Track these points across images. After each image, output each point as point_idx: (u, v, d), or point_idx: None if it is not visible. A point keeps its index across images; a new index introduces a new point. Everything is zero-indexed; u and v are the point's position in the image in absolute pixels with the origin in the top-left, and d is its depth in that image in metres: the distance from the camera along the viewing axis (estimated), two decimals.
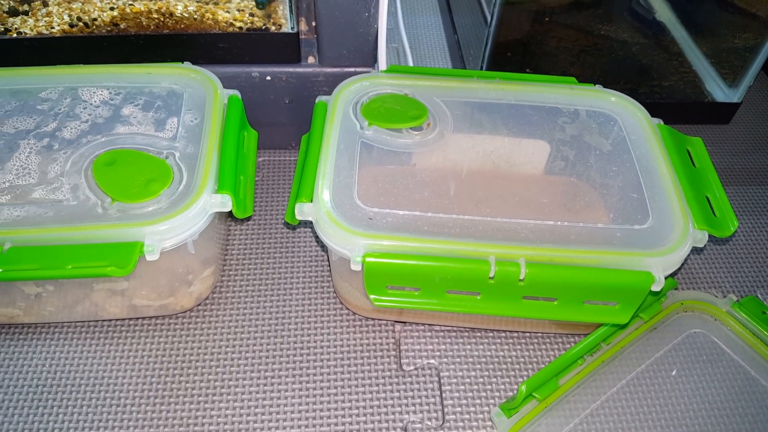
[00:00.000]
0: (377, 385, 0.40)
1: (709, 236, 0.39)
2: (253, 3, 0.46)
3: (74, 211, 0.36)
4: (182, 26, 0.46)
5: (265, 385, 0.40)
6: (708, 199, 0.41)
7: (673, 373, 0.41)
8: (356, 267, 0.36)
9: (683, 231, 0.37)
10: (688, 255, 0.48)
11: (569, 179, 0.42)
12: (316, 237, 0.48)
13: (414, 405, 0.40)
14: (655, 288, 0.36)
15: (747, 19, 0.54)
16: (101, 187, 0.37)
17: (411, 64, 0.61)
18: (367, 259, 0.35)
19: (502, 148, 0.43)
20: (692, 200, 0.40)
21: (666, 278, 0.42)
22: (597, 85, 0.47)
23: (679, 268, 0.48)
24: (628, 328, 0.42)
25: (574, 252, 0.36)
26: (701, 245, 0.38)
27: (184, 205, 0.36)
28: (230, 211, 0.38)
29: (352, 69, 0.48)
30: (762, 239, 0.51)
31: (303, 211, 0.38)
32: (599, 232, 0.37)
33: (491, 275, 0.35)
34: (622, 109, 0.46)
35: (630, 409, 0.39)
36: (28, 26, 0.45)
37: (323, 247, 0.48)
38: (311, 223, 0.38)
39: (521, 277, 0.35)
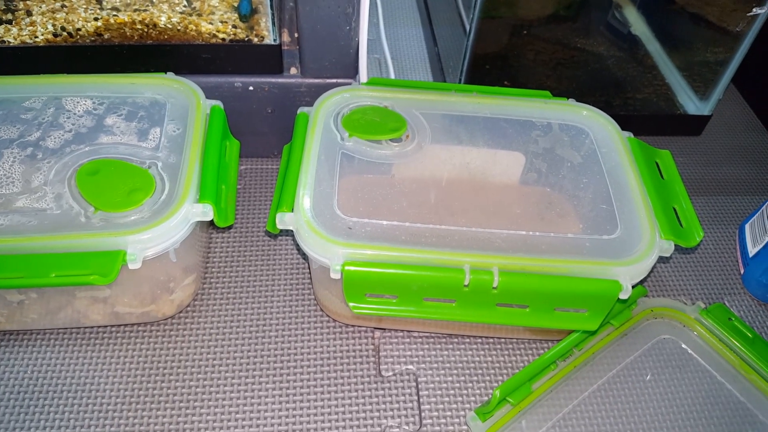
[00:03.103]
0: (356, 390, 0.41)
1: (677, 246, 0.40)
2: (236, 15, 0.47)
3: (57, 220, 0.37)
4: (166, 37, 0.47)
5: (245, 391, 0.41)
6: (675, 210, 0.42)
7: (648, 378, 0.42)
8: (335, 275, 0.37)
9: (650, 241, 0.39)
10: (656, 264, 0.50)
11: (542, 190, 0.43)
12: (297, 246, 0.49)
13: (392, 410, 0.41)
14: (623, 296, 0.37)
15: (718, 34, 0.56)
16: (84, 196, 0.38)
17: (392, 75, 0.62)
18: (346, 268, 0.36)
19: (478, 159, 0.44)
20: (660, 211, 0.41)
21: (635, 286, 0.44)
22: (570, 99, 0.49)
23: (647, 276, 0.49)
24: (599, 334, 0.43)
25: (545, 261, 0.37)
26: (667, 255, 0.39)
27: (166, 215, 0.37)
28: (212, 220, 0.39)
29: (334, 80, 0.49)
30: (730, 248, 0.53)
31: (284, 220, 0.38)
32: (569, 242, 0.39)
33: (466, 283, 0.36)
34: (594, 122, 0.47)
35: (601, 413, 0.41)
36: (11, 35, 0.45)
37: (304, 256, 0.49)
38: (292, 232, 0.39)
39: (494, 285, 0.36)
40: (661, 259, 0.51)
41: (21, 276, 0.34)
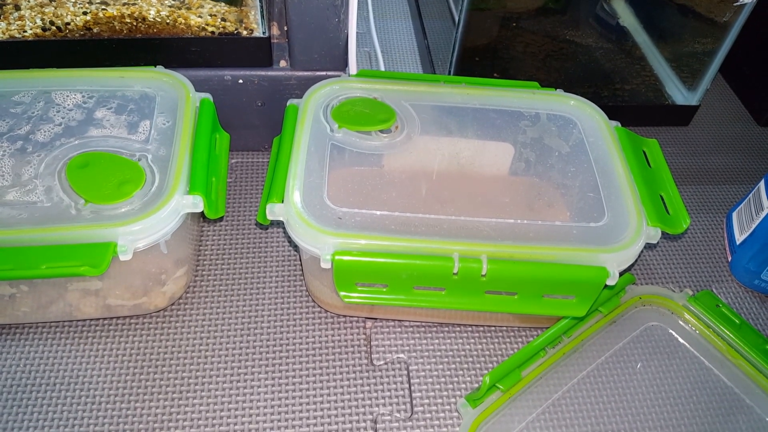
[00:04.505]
0: (348, 379, 0.42)
1: (664, 233, 0.41)
2: (225, 8, 0.47)
3: (48, 212, 0.37)
4: (155, 30, 0.47)
5: (238, 381, 0.41)
6: (662, 198, 0.43)
7: (638, 366, 0.43)
8: (326, 265, 0.37)
9: (637, 228, 0.39)
10: (644, 252, 0.50)
11: (530, 180, 0.43)
12: (288, 237, 0.49)
13: (384, 398, 0.41)
14: (610, 282, 0.37)
15: (705, 24, 0.56)
16: (75, 189, 0.38)
17: (382, 67, 0.62)
18: (337, 257, 0.37)
19: (467, 150, 0.45)
20: (646, 199, 0.42)
21: (623, 273, 0.44)
22: (558, 90, 0.49)
23: (635, 263, 0.50)
24: (588, 322, 0.44)
25: (533, 248, 0.37)
26: (654, 241, 0.40)
27: (156, 206, 0.37)
28: (203, 212, 0.39)
29: (324, 72, 0.50)
30: (717, 236, 0.53)
31: (274, 211, 0.39)
32: (557, 230, 0.39)
33: (455, 271, 0.37)
34: (581, 112, 0.48)
35: (590, 399, 0.41)
36: (0, 30, 0.45)
37: (295, 247, 0.49)
38: (283, 223, 0.39)
39: (483, 273, 0.37)
40: (649, 247, 0.51)
41: (12, 268, 0.34)
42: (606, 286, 0.38)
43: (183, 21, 0.46)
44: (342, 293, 0.38)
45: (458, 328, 0.45)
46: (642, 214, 0.40)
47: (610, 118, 0.48)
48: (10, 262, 0.35)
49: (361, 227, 0.38)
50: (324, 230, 0.37)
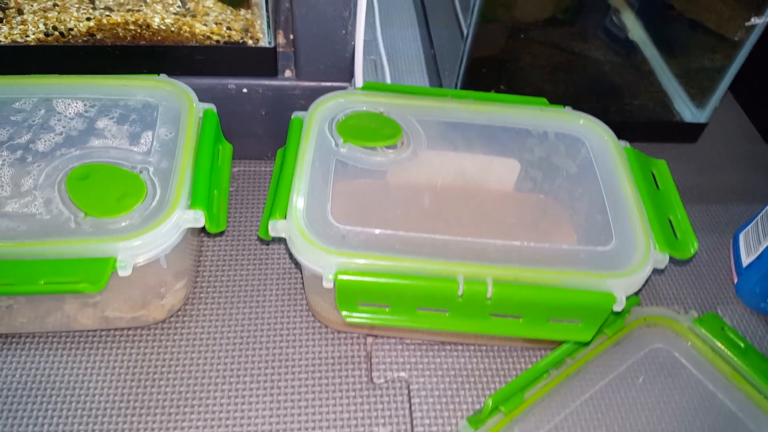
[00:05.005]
0: (348, 397, 0.41)
1: (671, 257, 0.40)
2: (231, 17, 0.46)
3: (47, 225, 0.36)
4: (159, 38, 0.46)
5: (236, 396, 0.41)
6: (670, 222, 0.42)
7: (640, 380, 0.42)
8: (328, 285, 0.36)
9: (645, 253, 0.39)
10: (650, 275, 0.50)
11: (537, 199, 0.43)
12: (290, 252, 0.49)
13: (384, 417, 0.40)
14: (617, 308, 0.37)
15: (716, 41, 0.56)
16: (74, 201, 0.37)
17: (388, 76, 0.61)
18: (339, 277, 0.36)
19: (473, 166, 0.44)
20: (655, 222, 0.41)
21: (629, 296, 0.44)
22: (567, 107, 0.49)
23: (643, 286, 0.49)
24: (592, 343, 0.43)
25: (539, 272, 0.37)
26: (662, 267, 0.39)
27: (157, 221, 0.36)
28: (204, 226, 0.39)
29: (329, 83, 0.49)
30: (723, 257, 0.53)
31: (276, 227, 0.38)
32: (564, 253, 0.39)
33: (460, 293, 0.36)
34: (590, 131, 0.47)
35: (593, 422, 0.41)
36: (2, 34, 0.45)
37: (296, 261, 0.48)
38: (285, 239, 0.39)
39: (488, 296, 0.36)
40: (653, 271, 0.51)
41: (10, 283, 0.34)
42: (612, 312, 0.37)
43: (188, 29, 0.46)
44: (344, 312, 0.38)
45: (460, 347, 0.44)
46: (650, 238, 0.40)
47: (617, 133, 0.47)
48: (8, 276, 0.34)
49: (364, 246, 0.37)
50: (327, 249, 0.37)
